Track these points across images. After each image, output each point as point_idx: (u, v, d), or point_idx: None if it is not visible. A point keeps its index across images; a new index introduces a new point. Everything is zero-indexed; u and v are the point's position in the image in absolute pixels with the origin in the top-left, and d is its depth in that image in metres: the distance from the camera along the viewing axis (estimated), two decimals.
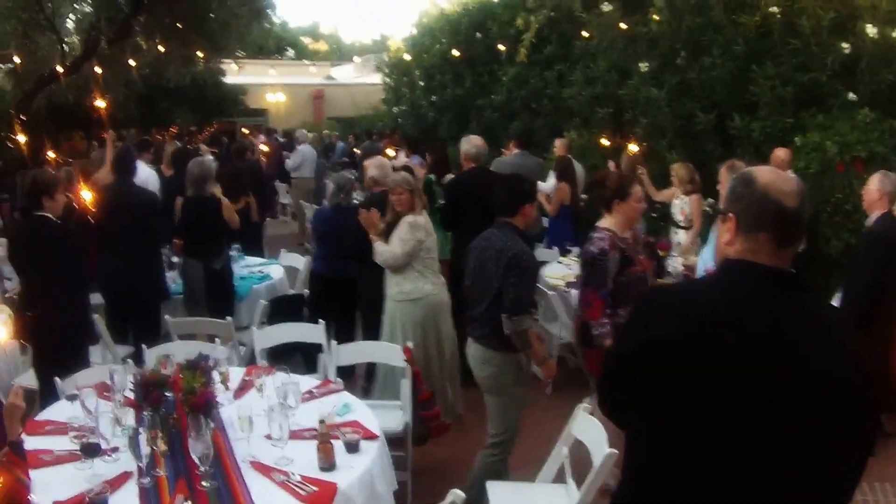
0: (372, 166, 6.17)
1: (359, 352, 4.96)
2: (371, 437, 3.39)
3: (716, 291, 1.86)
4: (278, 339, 5.15)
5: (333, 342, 4.76)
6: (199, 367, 3.32)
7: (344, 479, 3.01)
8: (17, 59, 10.01)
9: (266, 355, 5.24)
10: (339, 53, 33.06)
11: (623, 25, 9.53)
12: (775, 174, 1.89)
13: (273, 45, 32.21)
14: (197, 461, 2.89)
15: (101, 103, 8.79)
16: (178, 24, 10.38)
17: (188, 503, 2.78)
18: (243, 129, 18.03)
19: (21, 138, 9.60)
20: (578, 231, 8.36)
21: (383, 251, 5.08)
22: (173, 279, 6.47)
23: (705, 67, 8.46)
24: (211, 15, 10.53)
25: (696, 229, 7.07)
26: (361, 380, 5.79)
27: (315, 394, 3.91)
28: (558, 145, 8.72)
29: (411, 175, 5.44)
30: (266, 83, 22.97)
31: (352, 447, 3.24)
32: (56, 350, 4.47)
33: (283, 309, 6.13)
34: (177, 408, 3.15)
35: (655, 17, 9.15)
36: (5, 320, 4.55)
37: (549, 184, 8.26)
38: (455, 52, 13.39)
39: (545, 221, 8.44)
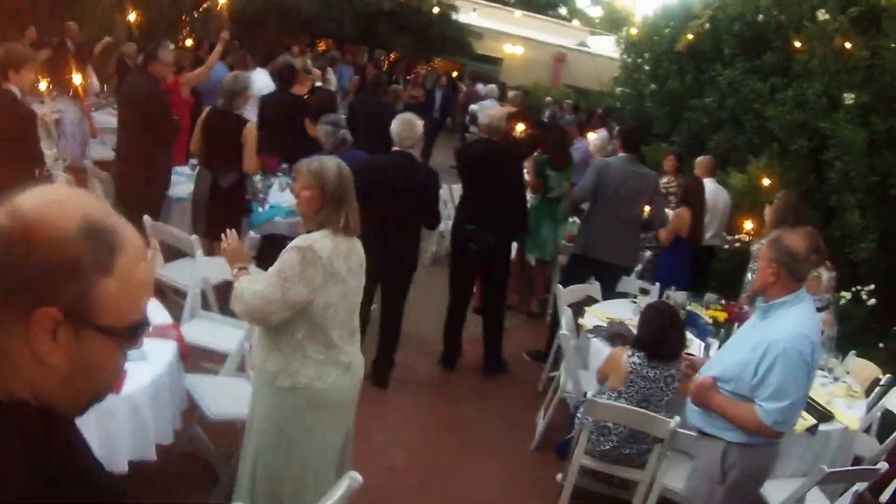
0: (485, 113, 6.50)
1: None
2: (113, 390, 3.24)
3: None
4: (218, 275, 5.18)
5: None
6: None
7: None
8: None
9: None
10: (610, 22, 31.96)
11: (847, 45, 8.13)
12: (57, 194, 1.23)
13: None
14: None
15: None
16: None
17: None
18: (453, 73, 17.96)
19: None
20: (696, 273, 7.35)
21: (242, 290, 3.42)
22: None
23: None
24: None
25: None
26: None
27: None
28: (698, 164, 7.68)
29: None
30: (506, 32, 22.57)
31: None
32: None
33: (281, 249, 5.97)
34: None
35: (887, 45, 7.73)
36: None
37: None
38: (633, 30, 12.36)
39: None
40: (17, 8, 10.39)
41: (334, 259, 3.34)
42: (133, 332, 1.25)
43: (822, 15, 7.94)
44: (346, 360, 3.48)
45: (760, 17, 9.87)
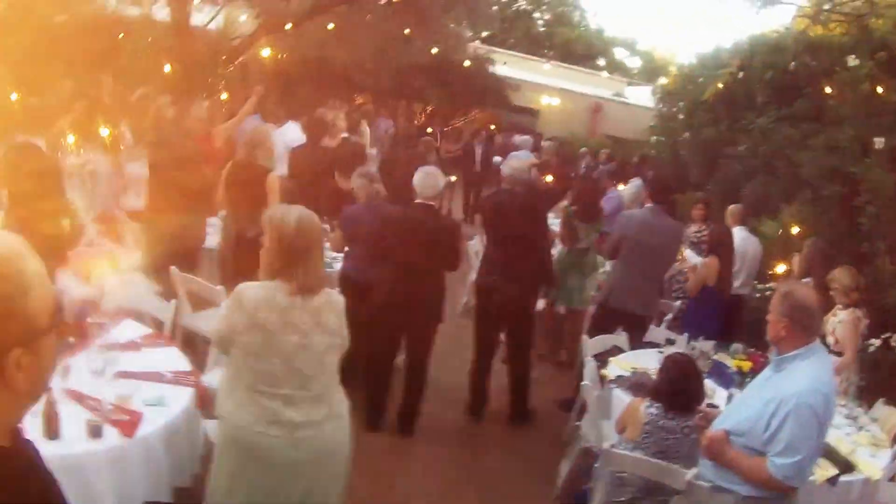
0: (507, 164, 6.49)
1: None
2: (127, 433, 3.42)
3: None
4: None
5: None
6: None
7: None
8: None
9: None
10: (649, 73, 32.12)
11: (878, 89, 8.12)
12: None
13: (582, 49, 32.02)
14: None
15: (266, 51, 9.05)
16: None
17: None
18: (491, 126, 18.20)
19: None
20: (726, 325, 7.25)
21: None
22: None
23: None
24: None
25: (850, 356, 5.77)
26: None
27: (167, 377, 4.04)
28: (729, 213, 7.67)
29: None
30: (543, 84, 22.75)
31: (94, 431, 3.33)
32: None
33: None
34: None
35: None
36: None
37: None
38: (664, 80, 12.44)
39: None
40: (55, 59, 10.70)
41: (262, 311, 3.30)
42: (60, 309, 1.38)
43: (852, 60, 7.96)
44: (276, 410, 3.34)
45: (792, 64, 9.90)
